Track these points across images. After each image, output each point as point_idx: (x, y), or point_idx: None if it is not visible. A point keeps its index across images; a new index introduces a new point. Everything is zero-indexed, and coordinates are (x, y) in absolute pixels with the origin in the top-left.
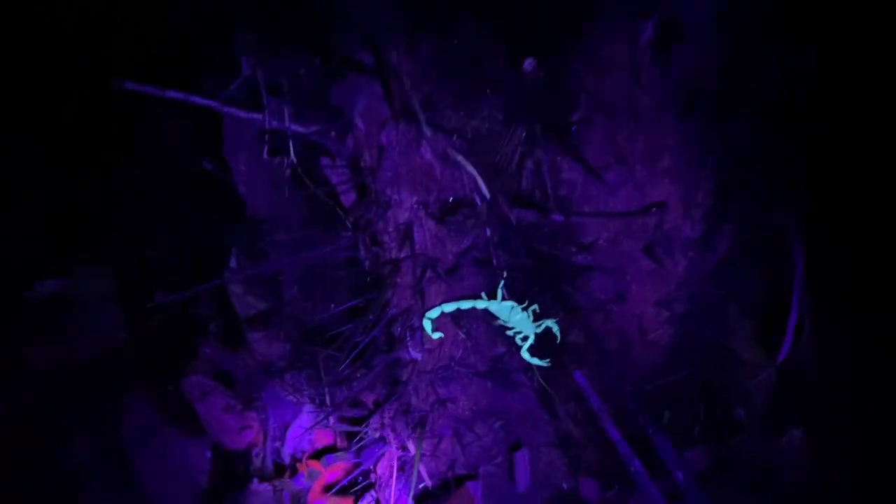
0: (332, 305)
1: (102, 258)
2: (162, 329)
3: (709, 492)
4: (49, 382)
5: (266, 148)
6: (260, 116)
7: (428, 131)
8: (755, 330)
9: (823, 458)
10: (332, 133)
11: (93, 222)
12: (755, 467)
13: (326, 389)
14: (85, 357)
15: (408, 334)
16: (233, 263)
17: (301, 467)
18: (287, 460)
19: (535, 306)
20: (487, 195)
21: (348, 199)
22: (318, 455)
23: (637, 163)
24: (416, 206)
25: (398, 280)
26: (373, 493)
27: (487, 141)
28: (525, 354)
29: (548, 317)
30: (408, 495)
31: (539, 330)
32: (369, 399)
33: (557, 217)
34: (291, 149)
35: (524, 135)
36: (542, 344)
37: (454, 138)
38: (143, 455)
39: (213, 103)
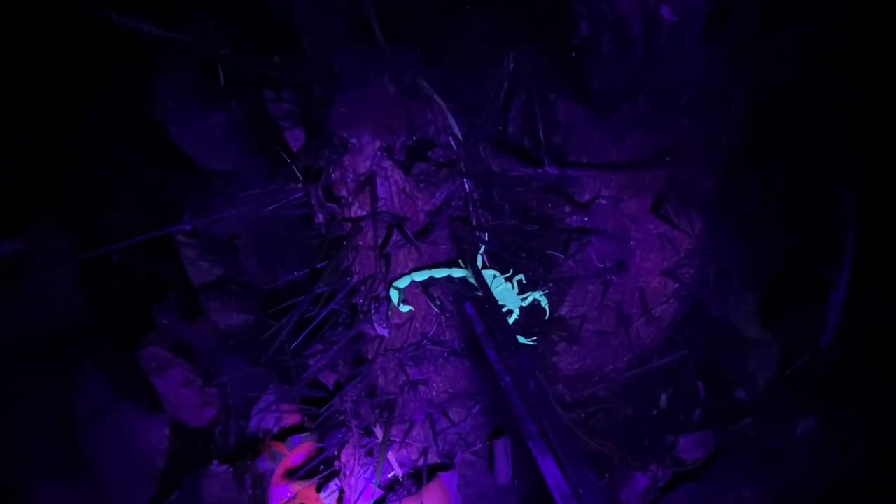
0: (293, 272)
1: (58, 220)
2: (118, 297)
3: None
4: None
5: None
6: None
7: (388, 51)
8: (764, 308)
9: (837, 446)
10: (276, 58)
11: (49, 183)
12: (762, 453)
13: (291, 365)
14: (37, 324)
15: (372, 306)
16: (187, 227)
17: (264, 448)
18: (251, 440)
19: (521, 276)
20: (460, 137)
21: (296, 141)
22: (283, 435)
23: (650, 98)
24: (378, 151)
25: (359, 242)
26: (337, 481)
27: (466, 71)
28: None
29: (535, 288)
30: (374, 485)
31: (525, 303)
32: (330, 380)
33: (551, 169)
34: (221, 74)
35: (512, 65)
36: (529, 319)
37: (423, 65)
38: (96, 432)
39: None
